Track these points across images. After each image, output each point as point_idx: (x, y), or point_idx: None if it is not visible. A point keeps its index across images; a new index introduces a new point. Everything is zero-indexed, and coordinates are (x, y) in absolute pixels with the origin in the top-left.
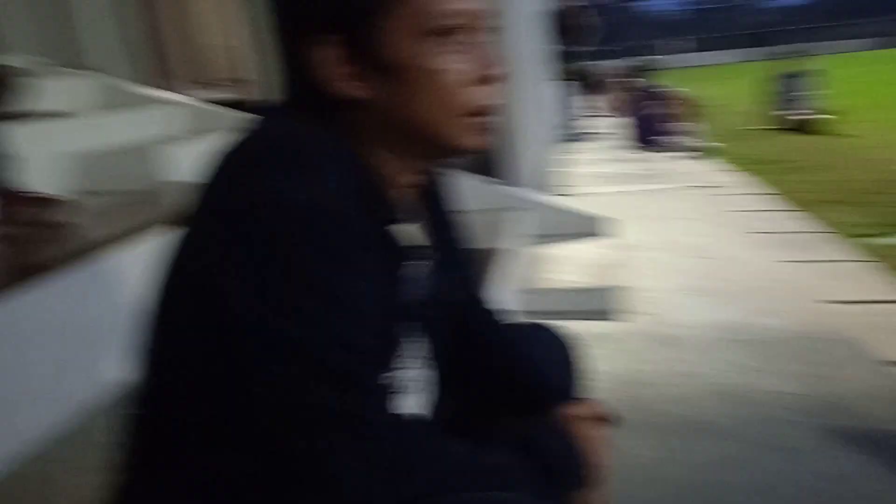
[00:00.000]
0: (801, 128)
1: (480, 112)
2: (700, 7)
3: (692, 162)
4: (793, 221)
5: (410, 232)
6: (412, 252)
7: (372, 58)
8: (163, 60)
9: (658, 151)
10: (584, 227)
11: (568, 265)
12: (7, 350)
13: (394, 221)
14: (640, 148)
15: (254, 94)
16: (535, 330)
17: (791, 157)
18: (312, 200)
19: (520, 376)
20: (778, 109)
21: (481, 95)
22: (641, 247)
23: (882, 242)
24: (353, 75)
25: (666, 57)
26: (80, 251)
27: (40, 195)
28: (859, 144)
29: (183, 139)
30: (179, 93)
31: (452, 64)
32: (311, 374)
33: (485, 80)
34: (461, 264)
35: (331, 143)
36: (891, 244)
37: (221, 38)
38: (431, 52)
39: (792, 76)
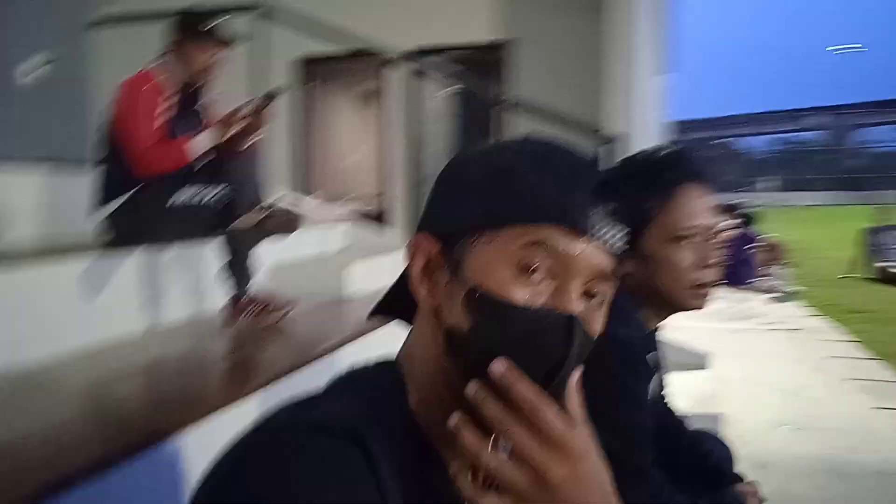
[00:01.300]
0: (886, 278)
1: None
2: (788, 146)
3: (781, 305)
4: (877, 370)
5: None
6: None
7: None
8: (310, 178)
9: (749, 291)
10: (688, 360)
11: (675, 394)
12: None
13: None
14: (731, 286)
15: (380, 207)
16: (707, 434)
17: (877, 307)
18: None
19: (709, 462)
20: (871, 258)
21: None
22: (725, 380)
23: None
24: None
25: (755, 195)
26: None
27: (272, 298)
28: None
29: (354, 254)
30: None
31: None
32: None
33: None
34: None
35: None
36: None
37: (355, 156)
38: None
39: (887, 227)
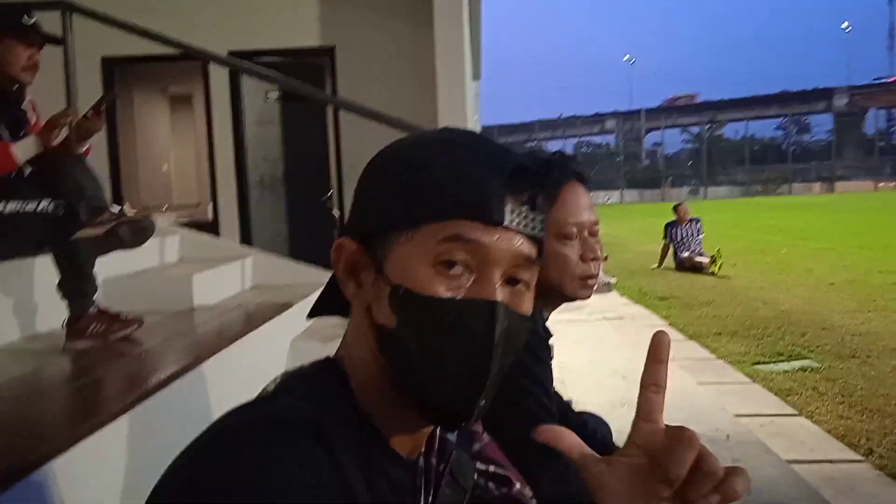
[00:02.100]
0: (688, 267)
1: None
2: (591, 149)
3: (603, 295)
4: (690, 349)
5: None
6: None
7: None
8: (122, 186)
9: None
10: None
11: None
12: None
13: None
14: None
15: (202, 216)
16: (590, 414)
17: (680, 293)
18: None
19: (596, 439)
20: (669, 250)
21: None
22: (568, 368)
23: (763, 369)
24: None
25: None
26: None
27: (118, 313)
28: (734, 284)
29: (194, 265)
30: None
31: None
32: None
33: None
34: None
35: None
36: (768, 370)
37: (172, 163)
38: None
39: (679, 223)
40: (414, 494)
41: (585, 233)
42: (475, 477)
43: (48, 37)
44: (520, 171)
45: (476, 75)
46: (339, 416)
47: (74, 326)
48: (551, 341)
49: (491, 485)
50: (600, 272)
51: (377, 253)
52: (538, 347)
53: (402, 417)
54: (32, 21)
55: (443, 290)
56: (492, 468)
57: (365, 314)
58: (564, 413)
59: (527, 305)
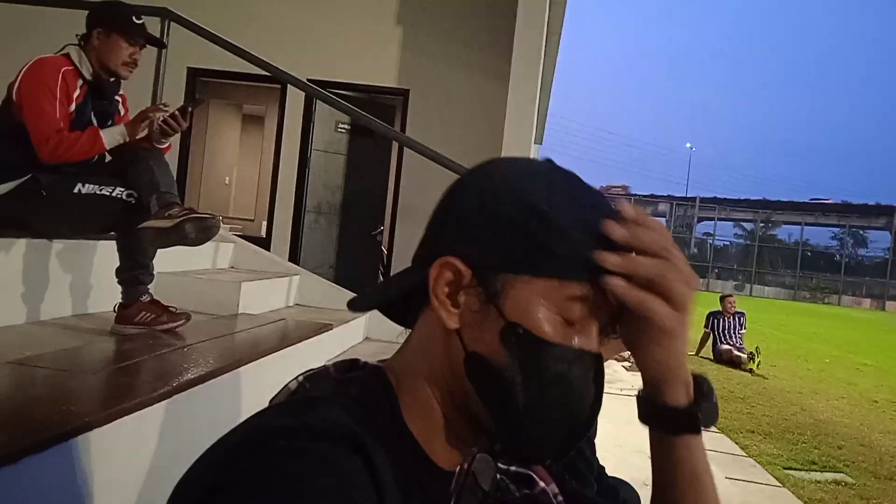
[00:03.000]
0: (726, 360)
1: None
2: None
3: (632, 373)
4: (720, 443)
5: None
6: None
7: None
8: (188, 192)
9: (611, 359)
10: None
11: None
12: None
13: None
14: None
15: (256, 231)
16: (621, 481)
17: (715, 384)
18: None
19: None
20: (711, 343)
21: None
22: (607, 443)
23: (794, 475)
24: None
25: None
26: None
27: (168, 306)
28: (771, 385)
29: (242, 274)
30: None
31: None
32: None
33: None
34: None
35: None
36: (799, 477)
37: (235, 176)
38: None
39: (724, 314)
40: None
41: None
42: (496, 477)
43: (152, 38)
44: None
45: (539, 139)
46: (382, 428)
47: (125, 311)
48: None
49: (512, 486)
50: None
51: (492, 284)
52: None
53: (451, 436)
54: (140, 21)
55: (559, 338)
56: (513, 468)
57: (450, 336)
58: (600, 476)
59: (606, 356)
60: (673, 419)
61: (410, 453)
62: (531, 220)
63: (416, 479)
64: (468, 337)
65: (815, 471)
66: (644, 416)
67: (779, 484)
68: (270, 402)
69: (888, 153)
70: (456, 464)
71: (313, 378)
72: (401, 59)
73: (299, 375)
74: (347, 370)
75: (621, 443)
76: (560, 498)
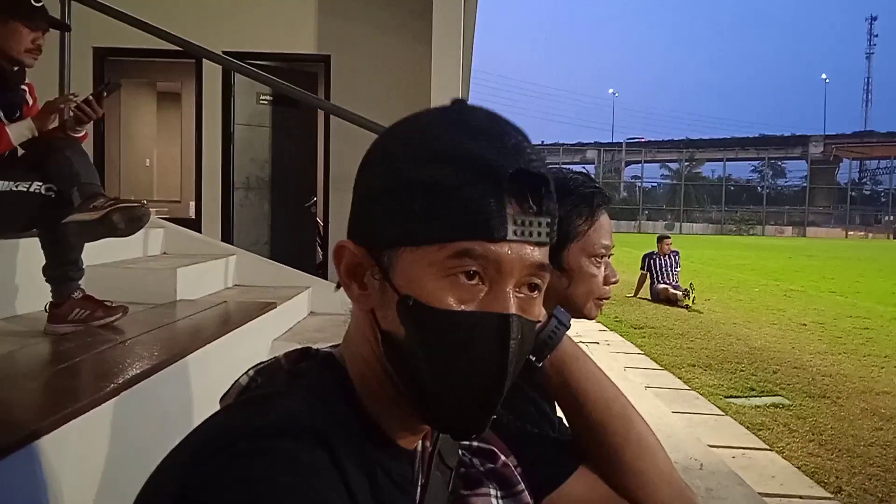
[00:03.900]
0: (663, 298)
1: None
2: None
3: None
4: (664, 379)
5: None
6: None
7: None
8: (106, 178)
9: None
10: None
11: None
12: None
13: None
14: None
15: (183, 213)
16: None
17: (654, 323)
18: None
19: None
20: (648, 283)
21: None
22: None
23: (735, 403)
24: None
25: None
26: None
27: (103, 300)
28: (707, 319)
29: (175, 260)
30: None
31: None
32: None
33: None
34: None
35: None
36: (740, 404)
37: (156, 158)
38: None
39: (659, 255)
40: (414, 483)
41: (608, 257)
42: (460, 453)
43: (54, 21)
44: (521, 177)
45: (465, 96)
46: (341, 417)
47: (57, 310)
48: None
49: (476, 460)
50: None
51: (383, 259)
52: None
53: (404, 415)
54: (40, 4)
55: (454, 302)
56: (475, 442)
57: (369, 317)
58: (554, 424)
59: (537, 310)
60: (544, 338)
61: (372, 438)
62: (409, 197)
63: (380, 463)
64: (379, 316)
65: (754, 396)
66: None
67: (721, 413)
68: (221, 400)
69: (801, 86)
70: (416, 443)
71: (264, 372)
72: (319, 25)
73: (250, 370)
74: (298, 360)
75: None
76: (519, 469)
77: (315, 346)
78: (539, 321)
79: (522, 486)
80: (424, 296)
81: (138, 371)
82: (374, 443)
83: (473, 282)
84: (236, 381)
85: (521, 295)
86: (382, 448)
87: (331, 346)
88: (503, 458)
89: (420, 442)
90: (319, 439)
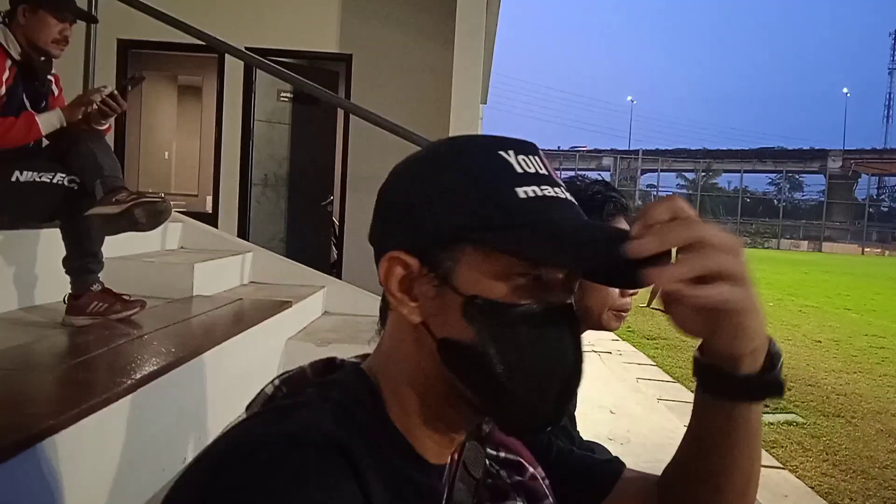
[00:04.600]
0: None
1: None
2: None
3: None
4: (676, 391)
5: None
6: None
7: None
8: (128, 171)
9: None
10: None
11: None
12: None
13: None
14: None
15: (200, 207)
16: (596, 443)
17: (667, 334)
18: None
19: None
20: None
21: None
22: None
23: None
24: None
25: None
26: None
27: (121, 294)
28: None
29: (193, 255)
30: None
31: None
32: None
33: None
34: None
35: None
36: None
37: (175, 151)
38: None
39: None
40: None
41: None
42: (486, 463)
43: (82, 13)
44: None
45: (483, 99)
46: (368, 430)
47: (76, 302)
48: None
49: (503, 472)
50: None
51: (442, 264)
52: None
53: (443, 431)
54: None
55: (518, 298)
56: (503, 453)
57: (417, 329)
58: (573, 438)
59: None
60: (750, 387)
61: (399, 452)
62: (469, 188)
63: (408, 477)
64: (434, 325)
65: (768, 413)
66: (711, 387)
67: None
68: (247, 408)
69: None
70: (446, 457)
71: (290, 381)
72: (342, 24)
73: (275, 379)
74: (324, 371)
75: (583, 399)
76: (547, 481)
77: (340, 358)
78: None
79: (551, 499)
80: (492, 293)
81: (155, 367)
82: (403, 457)
83: (532, 279)
84: (262, 389)
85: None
86: (411, 463)
87: (356, 357)
88: (531, 469)
89: (450, 456)
90: (342, 450)
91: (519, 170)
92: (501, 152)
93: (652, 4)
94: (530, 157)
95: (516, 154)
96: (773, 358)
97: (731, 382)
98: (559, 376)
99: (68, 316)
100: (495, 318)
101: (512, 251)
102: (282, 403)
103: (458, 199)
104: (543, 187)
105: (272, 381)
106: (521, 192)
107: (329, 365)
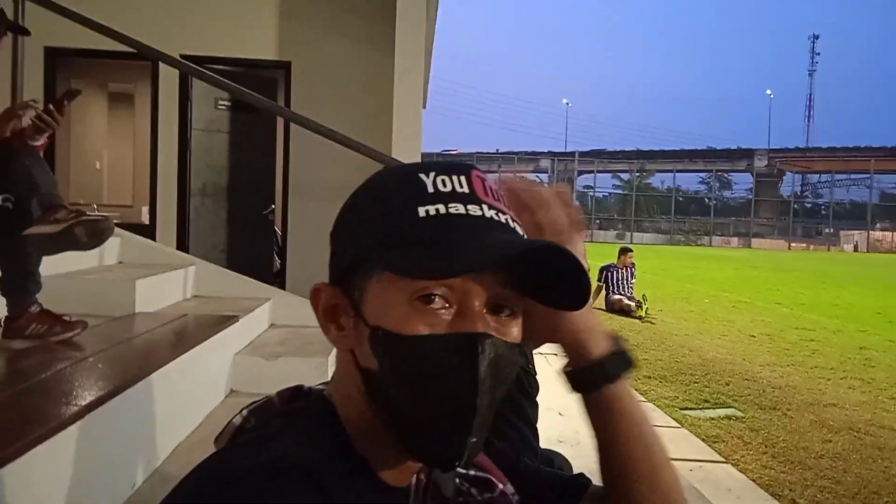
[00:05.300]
0: (617, 309)
1: None
2: None
3: None
4: None
5: None
6: None
7: None
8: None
9: None
10: None
11: None
12: None
13: None
14: None
15: (135, 218)
16: (554, 452)
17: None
18: None
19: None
20: (601, 291)
21: None
22: None
23: (690, 415)
24: None
25: None
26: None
27: (61, 315)
28: (660, 330)
29: (130, 269)
30: None
31: None
32: None
33: None
34: None
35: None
36: (695, 416)
37: (107, 161)
38: None
39: (618, 267)
40: None
41: None
42: (457, 482)
43: (14, 26)
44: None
45: (424, 103)
46: (332, 457)
47: (13, 324)
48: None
49: (473, 490)
50: None
51: (354, 295)
52: (529, 385)
53: (393, 453)
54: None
55: (422, 328)
56: (472, 471)
57: (350, 357)
58: (537, 453)
59: (514, 333)
60: (605, 369)
61: (364, 478)
62: (373, 211)
63: (373, 502)
64: (358, 354)
65: (708, 408)
66: (577, 384)
67: (678, 425)
68: (216, 441)
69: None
70: (408, 480)
71: (258, 411)
72: (280, 30)
73: (243, 409)
74: (291, 399)
75: None
76: (517, 497)
77: (307, 386)
78: (517, 343)
79: None
80: (393, 324)
81: (101, 392)
82: (366, 481)
83: (439, 305)
84: (230, 421)
85: (494, 316)
86: (375, 486)
87: (322, 384)
88: (501, 486)
89: (415, 476)
90: (312, 479)
91: (430, 189)
92: (421, 174)
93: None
94: (454, 176)
95: (436, 175)
96: (617, 340)
97: (585, 372)
98: (453, 411)
99: (5, 339)
100: (393, 349)
101: (391, 268)
102: (251, 436)
103: (364, 222)
104: (453, 205)
105: (240, 412)
106: (422, 210)
107: (296, 393)
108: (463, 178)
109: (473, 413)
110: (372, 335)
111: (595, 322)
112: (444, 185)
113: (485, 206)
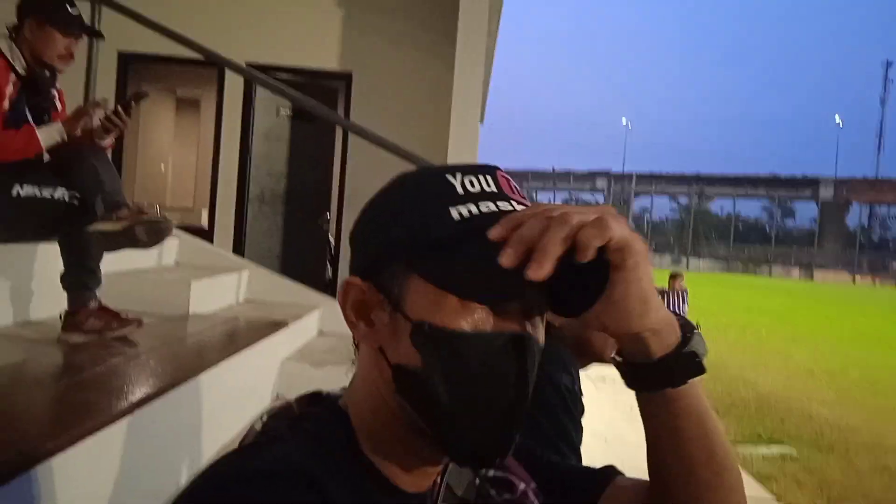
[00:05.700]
0: None
1: None
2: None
3: None
4: None
5: None
6: None
7: None
8: (124, 182)
9: None
10: None
11: None
12: None
13: None
14: None
15: (195, 221)
16: None
17: None
18: None
19: None
20: None
21: None
22: None
23: (743, 451)
24: None
25: None
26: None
27: (118, 311)
28: (713, 361)
29: (190, 271)
30: None
31: None
32: None
33: None
34: None
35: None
36: (748, 453)
37: (172, 165)
38: None
39: (669, 292)
40: None
41: None
42: (476, 482)
43: (89, 29)
44: None
45: (481, 118)
46: (340, 461)
47: (72, 319)
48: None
49: (493, 491)
50: None
51: (392, 290)
52: (574, 406)
53: (413, 459)
54: (76, 12)
55: (468, 326)
56: (491, 472)
57: (377, 355)
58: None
59: (541, 335)
60: (670, 371)
61: (372, 482)
62: (406, 209)
63: None
64: (389, 351)
65: (762, 445)
66: (632, 381)
67: None
68: (240, 444)
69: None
70: (423, 486)
71: (275, 416)
72: (342, 42)
73: (263, 414)
74: (308, 404)
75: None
76: (541, 497)
77: (325, 391)
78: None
79: None
80: (438, 320)
81: (151, 389)
82: (376, 486)
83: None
84: (251, 426)
85: (526, 318)
86: (385, 492)
87: (341, 389)
88: (523, 485)
89: (433, 481)
90: (312, 483)
91: (460, 191)
92: (448, 176)
93: (652, 29)
94: (481, 176)
95: (463, 176)
96: (685, 337)
97: (646, 369)
98: (503, 409)
99: (64, 333)
100: (442, 345)
101: (437, 283)
102: (257, 440)
103: (397, 220)
104: (484, 203)
105: (261, 417)
106: (454, 212)
107: (313, 398)
108: (489, 177)
109: (521, 411)
110: (416, 330)
111: (659, 318)
112: (473, 186)
113: (514, 202)
